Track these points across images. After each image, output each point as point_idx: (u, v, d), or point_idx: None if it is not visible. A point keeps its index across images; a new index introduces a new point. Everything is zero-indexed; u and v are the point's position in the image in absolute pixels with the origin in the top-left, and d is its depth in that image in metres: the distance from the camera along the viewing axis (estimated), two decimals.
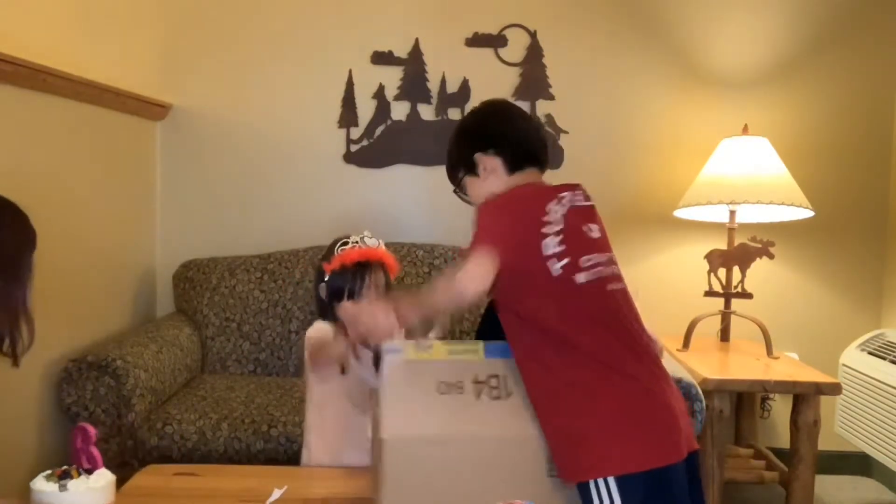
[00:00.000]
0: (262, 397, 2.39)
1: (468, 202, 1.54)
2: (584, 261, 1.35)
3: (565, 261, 1.33)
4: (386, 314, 1.32)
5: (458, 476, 1.29)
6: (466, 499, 1.27)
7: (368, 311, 1.36)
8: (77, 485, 1.29)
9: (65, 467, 1.33)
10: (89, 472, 1.33)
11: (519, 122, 1.52)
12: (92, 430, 1.37)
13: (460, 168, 1.52)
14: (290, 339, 2.72)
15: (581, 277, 1.33)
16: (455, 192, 1.56)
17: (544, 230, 1.34)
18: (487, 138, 1.49)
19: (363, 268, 1.68)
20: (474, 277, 1.27)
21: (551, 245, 1.33)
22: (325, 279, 1.70)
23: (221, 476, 1.63)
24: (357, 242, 1.70)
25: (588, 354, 1.31)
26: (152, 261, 2.96)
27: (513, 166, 1.47)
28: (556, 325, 1.33)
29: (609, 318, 1.35)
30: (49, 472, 1.34)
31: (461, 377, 1.40)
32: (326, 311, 1.73)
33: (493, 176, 1.47)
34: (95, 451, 1.36)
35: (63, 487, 1.28)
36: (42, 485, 1.30)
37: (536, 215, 1.36)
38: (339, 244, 1.70)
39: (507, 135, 1.49)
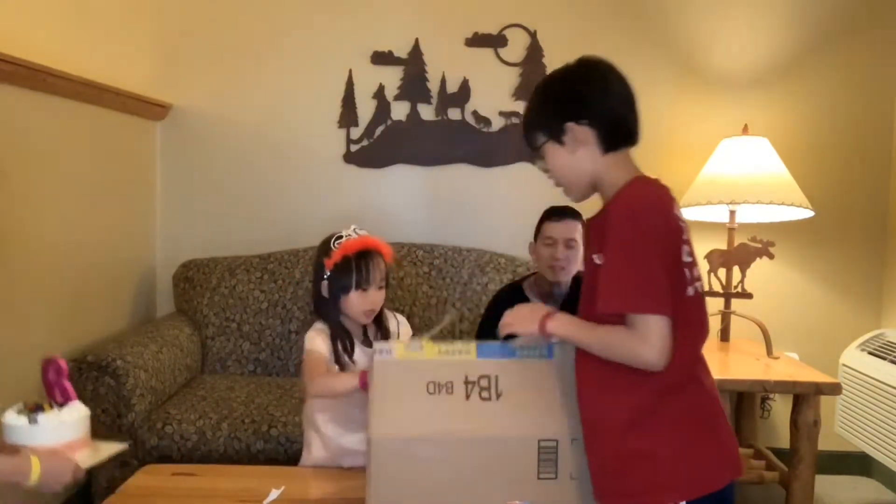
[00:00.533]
0: (262, 397, 2.39)
1: (544, 169, 1.39)
2: (696, 273, 1.29)
3: (688, 273, 1.26)
4: (535, 313, 1.31)
5: (445, 476, 1.28)
6: (453, 498, 1.27)
7: (522, 309, 1.34)
8: (48, 418, 1.23)
9: (37, 401, 1.26)
10: (62, 405, 1.27)
11: (622, 92, 1.33)
12: (64, 364, 1.29)
13: (542, 132, 1.35)
14: (290, 339, 2.72)
15: (690, 290, 1.26)
16: (531, 157, 1.42)
17: (683, 237, 1.27)
18: (584, 107, 1.30)
19: (366, 255, 1.68)
20: (664, 350, 1.18)
21: (684, 253, 1.26)
22: (327, 276, 1.69)
23: (220, 476, 1.63)
24: (350, 235, 1.70)
25: (683, 365, 1.25)
26: (152, 261, 2.96)
27: (609, 145, 1.31)
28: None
29: (698, 329, 1.31)
30: (21, 405, 1.26)
31: (451, 377, 1.38)
32: (329, 310, 1.71)
33: (582, 150, 1.31)
34: (68, 385, 1.28)
35: (33, 421, 1.21)
36: (13, 419, 1.22)
37: (678, 228, 1.26)
38: (333, 239, 1.70)
39: (606, 107, 1.31)
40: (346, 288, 1.67)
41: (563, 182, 1.38)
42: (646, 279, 1.20)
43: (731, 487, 1.27)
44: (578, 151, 1.31)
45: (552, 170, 1.37)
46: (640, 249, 1.21)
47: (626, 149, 1.35)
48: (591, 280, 1.30)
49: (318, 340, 1.69)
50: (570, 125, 1.30)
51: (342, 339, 1.70)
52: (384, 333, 1.77)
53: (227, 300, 2.74)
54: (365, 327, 1.76)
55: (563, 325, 1.31)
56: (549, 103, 1.35)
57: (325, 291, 1.70)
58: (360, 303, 1.68)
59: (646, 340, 1.18)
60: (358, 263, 1.67)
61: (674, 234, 1.25)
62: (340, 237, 1.69)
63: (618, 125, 1.32)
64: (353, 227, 1.73)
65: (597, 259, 1.26)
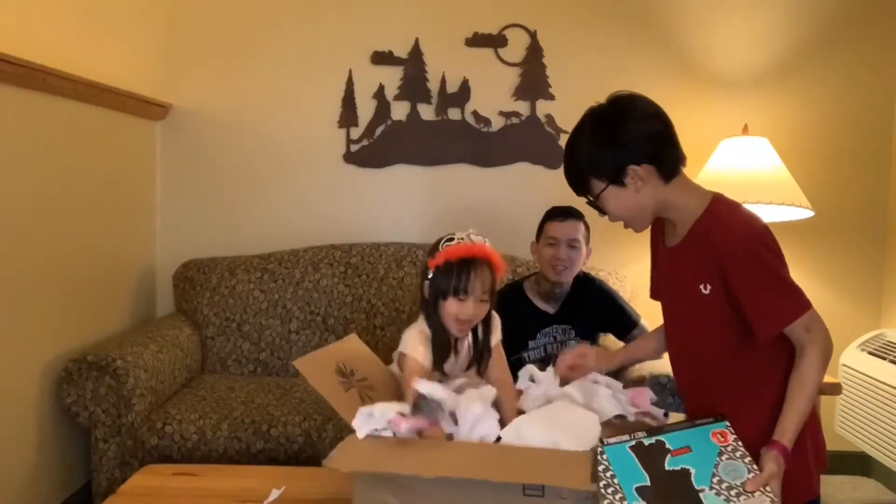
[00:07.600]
0: (262, 397, 2.39)
1: (600, 210, 1.40)
2: None
3: None
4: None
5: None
6: None
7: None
8: None
9: None
10: None
11: (664, 122, 1.35)
12: None
13: (601, 177, 1.35)
14: (289, 338, 2.72)
15: None
16: (589, 202, 1.41)
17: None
18: (644, 148, 1.32)
19: (468, 264, 1.56)
20: (827, 334, 1.37)
21: None
22: (429, 276, 1.59)
23: (220, 476, 1.63)
24: (462, 239, 1.59)
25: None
26: (152, 261, 2.96)
27: (668, 175, 1.34)
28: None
29: None
30: None
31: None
32: (430, 311, 1.61)
33: (647, 187, 1.33)
34: None
35: None
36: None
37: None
38: (443, 240, 1.60)
39: (658, 142, 1.33)
40: (443, 293, 1.56)
41: (626, 219, 1.40)
42: (789, 287, 1.34)
43: None
44: (643, 190, 1.34)
45: (615, 211, 1.38)
46: (773, 267, 1.33)
47: (682, 170, 1.38)
48: (691, 306, 1.37)
49: (420, 349, 1.59)
50: (632, 168, 1.31)
51: (438, 346, 1.60)
52: (476, 346, 1.65)
53: (227, 300, 2.74)
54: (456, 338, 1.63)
55: (790, 427, 1.33)
56: (601, 150, 1.34)
57: (425, 292, 1.61)
58: (454, 311, 1.56)
59: (822, 332, 1.36)
60: (459, 270, 1.55)
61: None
62: (451, 239, 1.59)
63: (671, 155, 1.35)
64: (470, 230, 1.61)
65: (704, 289, 1.33)
